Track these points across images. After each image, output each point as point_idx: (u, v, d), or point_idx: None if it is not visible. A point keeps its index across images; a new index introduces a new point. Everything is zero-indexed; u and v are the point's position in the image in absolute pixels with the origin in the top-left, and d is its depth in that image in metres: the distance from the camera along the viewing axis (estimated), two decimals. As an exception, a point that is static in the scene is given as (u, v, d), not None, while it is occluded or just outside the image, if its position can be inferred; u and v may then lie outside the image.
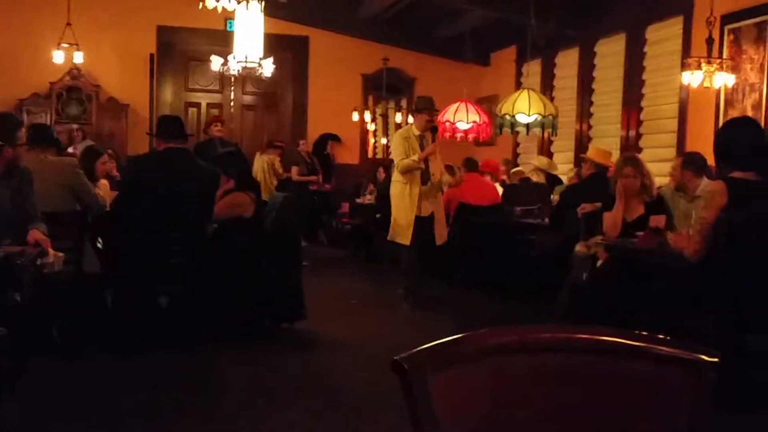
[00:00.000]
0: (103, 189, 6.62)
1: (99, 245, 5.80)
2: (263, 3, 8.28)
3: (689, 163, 5.68)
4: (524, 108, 8.86)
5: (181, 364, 5.06)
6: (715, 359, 1.39)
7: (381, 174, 11.98)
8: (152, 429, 3.90)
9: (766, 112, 7.26)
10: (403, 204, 7.22)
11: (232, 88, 12.59)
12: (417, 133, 7.29)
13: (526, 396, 1.34)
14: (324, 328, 6.21)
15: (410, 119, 13.85)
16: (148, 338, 5.27)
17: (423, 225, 7.19)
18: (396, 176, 7.34)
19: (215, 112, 13.14)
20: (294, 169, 12.33)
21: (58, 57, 11.54)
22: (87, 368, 4.89)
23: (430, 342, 1.35)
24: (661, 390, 1.39)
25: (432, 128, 7.40)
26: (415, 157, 7.12)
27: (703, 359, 1.39)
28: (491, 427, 1.32)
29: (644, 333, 1.44)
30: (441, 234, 7.36)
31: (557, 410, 1.37)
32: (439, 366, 1.30)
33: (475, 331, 1.41)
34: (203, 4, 7.24)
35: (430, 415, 1.25)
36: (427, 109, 7.37)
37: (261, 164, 10.79)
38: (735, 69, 7.39)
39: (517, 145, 12.54)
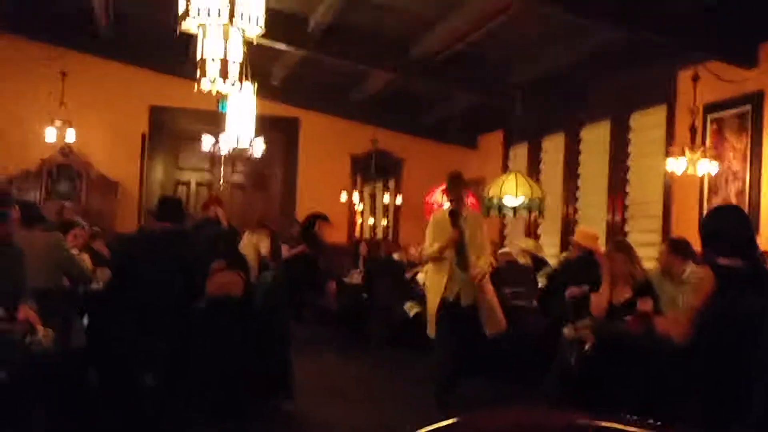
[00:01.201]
0: (86, 261, 6.60)
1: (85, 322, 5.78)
2: (255, 85, 8.47)
3: (675, 247, 5.76)
4: (511, 191, 9.01)
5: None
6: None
7: (363, 249, 11.99)
8: None
9: (749, 199, 7.40)
10: (431, 293, 6.69)
11: (222, 167, 12.70)
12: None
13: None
14: (312, 409, 6.14)
15: (398, 200, 14.04)
16: (134, 420, 5.18)
17: (462, 315, 6.50)
18: (428, 265, 6.94)
19: (204, 190, 13.23)
20: (284, 248, 12.34)
21: (50, 135, 11.66)
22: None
23: (421, 425, 1.36)
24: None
25: (450, 212, 6.62)
26: (436, 246, 6.54)
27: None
28: None
29: (637, 418, 1.46)
30: (493, 322, 6.62)
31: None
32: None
33: (469, 415, 1.42)
34: (198, 87, 7.38)
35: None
36: (447, 189, 6.89)
37: (250, 243, 10.80)
38: (718, 157, 7.56)
39: (504, 227, 12.65)
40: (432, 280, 6.71)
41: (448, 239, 6.46)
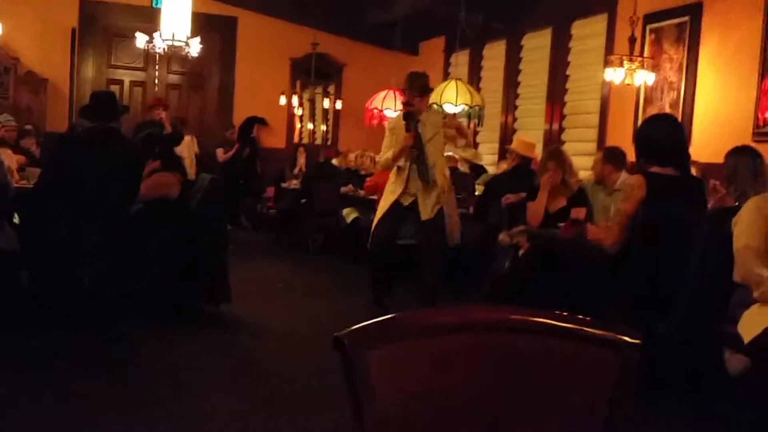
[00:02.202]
0: (7, 158, 6.42)
1: (15, 222, 5.66)
2: (193, -19, 8.16)
3: (610, 157, 5.87)
4: (452, 98, 8.97)
5: (101, 346, 4.97)
6: (638, 341, 1.47)
7: (301, 155, 11.92)
8: (70, 412, 3.82)
9: (683, 109, 7.53)
10: (383, 204, 6.10)
11: (157, 66, 12.36)
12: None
13: (461, 372, 1.39)
14: (248, 311, 6.18)
15: (338, 105, 13.88)
16: (66, 319, 5.15)
17: (423, 229, 6.02)
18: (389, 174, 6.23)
19: (139, 90, 12.88)
20: (219, 151, 12.24)
21: (-26, 27, 11.13)
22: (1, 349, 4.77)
23: (355, 324, 1.37)
24: (587, 369, 1.46)
25: (405, 114, 5.92)
26: (389, 154, 5.95)
27: (627, 340, 1.46)
28: (426, 401, 1.36)
29: (572, 314, 1.50)
30: (453, 235, 6.12)
31: (489, 386, 1.42)
32: (379, 343, 1.33)
33: (408, 311, 1.45)
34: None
35: (369, 390, 1.29)
36: (406, 88, 6.05)
37: (186, 145, 10.64)
38: (655, 67, 7.64)
39: (442, 134, 12.66)
40: (387, 191, 6.12)
41: (402, 145, 5.86)
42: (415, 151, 5.85)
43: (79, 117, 6.47)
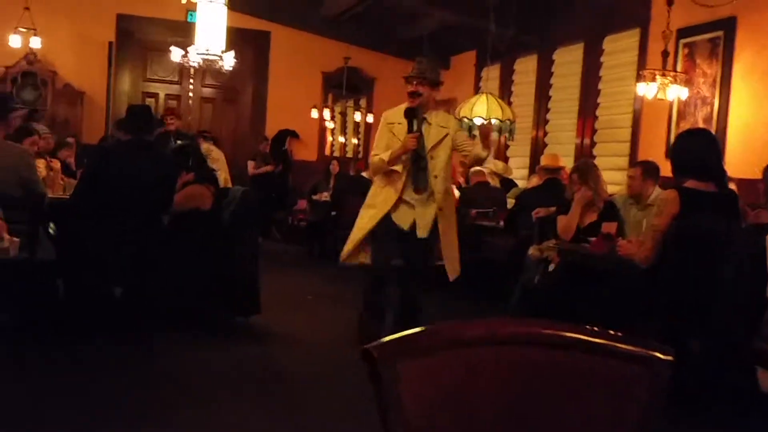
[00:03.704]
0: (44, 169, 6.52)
1: (51, 231, 5.75)
2: (227, -4, 8.26)
3: (648, 171, 5.82)
4: (482, 112, 8.95)
5: (133, 355, 5.02)
6: (669, 357, 1.46)
7: (335, 167, 12.00)
8: (101, 419, 3.86)
9: (717, 125, 7.46)
10: (368, 213, 5.26)
11: (191, 80, 12.51)
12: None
13: (489, 385, 1.39)
14: (279, 323, 6.21)
15: (369, 118, 13.93)
16: (100, 328, 5.22)
17: (415, 246, 5.18)
18: (376, 177, 5.36)
19: (173, 103, 13.05)
20: (250, 164, 12.34)
21: (15, 41, 11.37)
22: (36, 356, 4.83)
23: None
24: (617, 385, 1.46)
25: (406, 110, 5.03)
26: (385, 156, 5.04)
27: (658, 356, 1.46)
28: (456, 415, 1.37)
29: (603, 330, 1.50)
30: (453, 265, 5.25)
31: (518, 400, 1.42)
32: (408, 355, 1.34)
33: (439, 323, 1.45)
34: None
35: (397, 402, 1.30)
36: (409, 77, 5.14)
37: (221, 156, 10.73)
38: (688, 82, 7.58)
39: (473, 148, 12.65)
40: (373, 194, 5.30)
41: (402, 148, 4.99)
42: (413, 156, 5.00)
43: (115, 129, 6.57)
